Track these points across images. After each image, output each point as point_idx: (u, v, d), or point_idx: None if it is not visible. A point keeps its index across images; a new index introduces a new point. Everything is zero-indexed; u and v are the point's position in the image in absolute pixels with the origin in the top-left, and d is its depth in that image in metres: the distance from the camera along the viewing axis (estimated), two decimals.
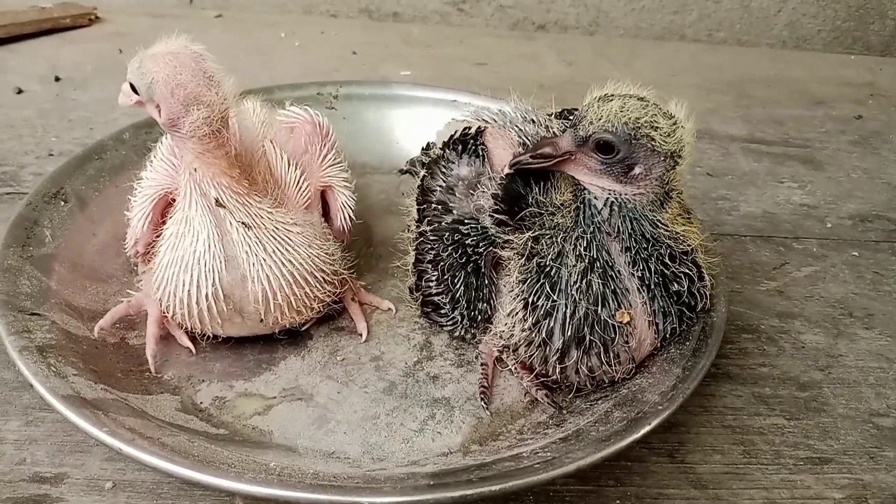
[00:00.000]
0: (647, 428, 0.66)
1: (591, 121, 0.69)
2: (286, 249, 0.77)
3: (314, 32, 1.84)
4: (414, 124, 1.19)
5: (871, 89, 1.82)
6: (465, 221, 0.80)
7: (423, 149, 1.01)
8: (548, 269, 0.72)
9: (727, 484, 0.74)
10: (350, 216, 0.90)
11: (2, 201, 1.04)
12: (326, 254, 0.82)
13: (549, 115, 0.88)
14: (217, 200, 0.74)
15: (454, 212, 0.81)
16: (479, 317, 0.80)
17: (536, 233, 0.74)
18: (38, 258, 0.82)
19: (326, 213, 0.90)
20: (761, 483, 0.75)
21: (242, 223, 0.75)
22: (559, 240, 0.73)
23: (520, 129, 0.85)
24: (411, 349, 0.86)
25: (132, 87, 0.73)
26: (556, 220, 0.74)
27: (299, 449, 0.71)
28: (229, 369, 0.81)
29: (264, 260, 0.76)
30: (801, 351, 0.93)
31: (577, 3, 2.06)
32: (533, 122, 0.86)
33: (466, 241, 0.79)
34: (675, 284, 0.73)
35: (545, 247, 0.73)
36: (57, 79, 1.45)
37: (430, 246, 0.83)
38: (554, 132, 0.83)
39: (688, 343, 0.77)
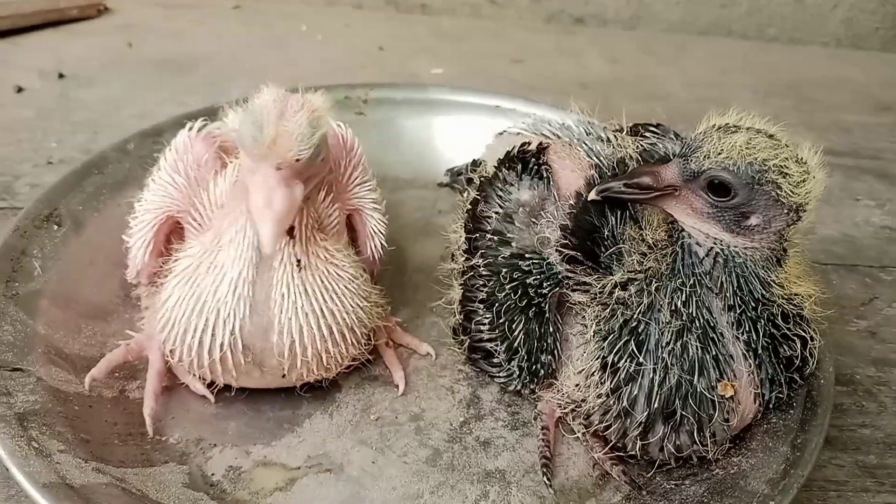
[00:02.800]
0: None
1: (708, 153, 0.56)
2: (330, 298, 0.66)
3: (338, 25, 1.71)
4: (453, 133, 1.07)
5: None
6: (527, 256, 0.67)
7: (470, 166, 0.88)
8: (635, 324, 0.60)
9: None
10: (382, 243, 0.78)
11: None
12: (369, 302, 0.70)
13: (616, 130, 0.75)
14: (291, 228, 0.63)
15: (513, 244, 0.69)
16: (542, 371, 0.68)
17: (625, 277, 0.61)
18: (25, 296, 0.70)
19: (354, 241, 0.78)
20: None
21: (297, 260, 0.63)
22: (652, 289, 0.60)
23: (589, 148, 0.72)
24: (456, 405, 0.73)
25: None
26: (647, 264, 0.61)
27: None
28: (246, 430, 0.69)
29: (301, 307, 0.64)
30: None
31: None
32: (602, 139, 0.73)
33: (528, 280, 0.66)
34: (787, 349, 0.61)
35: (633, 296, 0.60)
36: (61, 76, 1.33)
37: (482, 283, 0.71)
38: (629, 154, 0.70)
39: (792, 412, 0.64)
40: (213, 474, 0.64)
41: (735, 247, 0.58)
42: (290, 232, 0.63)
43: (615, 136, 0.73)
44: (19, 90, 1.26)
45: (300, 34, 1.65)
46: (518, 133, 0.82)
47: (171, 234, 0.72)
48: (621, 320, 0.60)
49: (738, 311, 0.59)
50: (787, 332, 0.60)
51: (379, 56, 1.58)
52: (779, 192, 0.55)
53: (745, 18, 1.95)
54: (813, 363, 0.63)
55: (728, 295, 0.59)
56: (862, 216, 1.15)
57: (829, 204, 1.17)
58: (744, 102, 0.61)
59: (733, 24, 1.96)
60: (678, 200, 0.59)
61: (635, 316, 0.60)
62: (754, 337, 0.59)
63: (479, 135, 0.94)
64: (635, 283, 0.61)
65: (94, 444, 0.61)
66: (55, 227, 0.78)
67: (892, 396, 0.81)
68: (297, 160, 0.58)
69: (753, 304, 0.59)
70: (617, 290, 0.61)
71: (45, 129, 1.15)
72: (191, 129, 0.75)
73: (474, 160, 0.88)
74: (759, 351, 0.60)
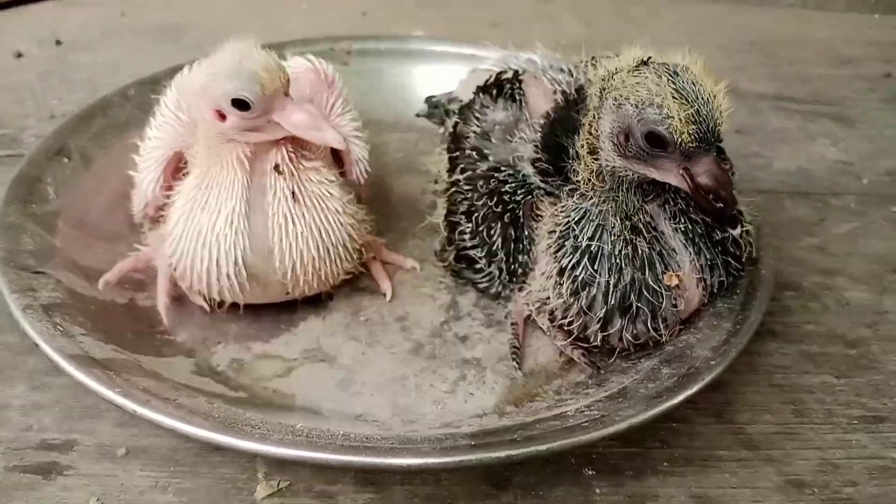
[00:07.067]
0: (702, 384, 0.61)
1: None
2: (325, 218, 0.72)
3: None
4: (432, 80, 1.13)
5: None
6: (502, 168, 0.75)
7: (447, 101, 0.95)
8: (588, 238, 0.67)
9: (779, 444, 0.70)
10: (366, 169, 0.84)
11: (2, 163, 0.99)
12: (356, 219, 0.77)
13: (576, 64, 0.82)
14: (277, 166, 0.70)
15: (490, 158, 0.76)
16: (520, 270, 0.75)
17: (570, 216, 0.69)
18: (42, 215, 0.77)
19: (340, 169, 0.84)
20: (815, 443, 0.70)
21: (292, 193, 0.70)
22: (599, 203, 0.68)
23: (552, 78, 0.79)
24: (437, 309, 0.81)
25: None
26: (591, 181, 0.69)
27: (324, 412, 0.67)
28: (246, 331, 0.76)
29: (301, 232, 0.71)
30: (846, 308, 0.88)
31: None
32: (563, 70, 0.81)
33: (503, 189, 0.74)
34: (719, 232, 0.68)
35: (577, 228, 0.68)
36: (58, 42, 1.39)
37: (463, 196, 0.78)
38: (589, 79, 0.77)
39: (735, 297, 0.72)
40: (217, 365, 0.72)
41: None
42: (278, 169, 0.70)
43: (575, 68, 0.81)
44: (19, 55, 1.32)
45: (284, 1, 1.72)
46: (487, 70, 0.89)
47: (176, 168, 0.79)
48: (573, 243, 0.68)
49: (672, 205, 0.67)
50: None
51: (362, 21, 1.64)
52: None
53: None
54: (749, 251, 0.71)
55: (668, 198, 0.67)
56: (817, 153, 1.23)
57: (785, 142, 1.25)
58: (710, 59, 0.67)
59: None
60: None
61: (583, 241, 0.67)
62: (690, 227, 0.67)
63: (457, 81, 1.01)
64: (575, 220, 0.68)
65: (110, 334, 0.68)
66: (65, 160, 0.85)
67: (834, 299, 0.89)
68: (288, 80, 0.67)
69: (683, 196, 0.67)
70: (573, 199, 0.69)
71: (45, 89, 1.21)
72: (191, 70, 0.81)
73: (451, 95, 0.95)
74: (696, 240, 0.67)
